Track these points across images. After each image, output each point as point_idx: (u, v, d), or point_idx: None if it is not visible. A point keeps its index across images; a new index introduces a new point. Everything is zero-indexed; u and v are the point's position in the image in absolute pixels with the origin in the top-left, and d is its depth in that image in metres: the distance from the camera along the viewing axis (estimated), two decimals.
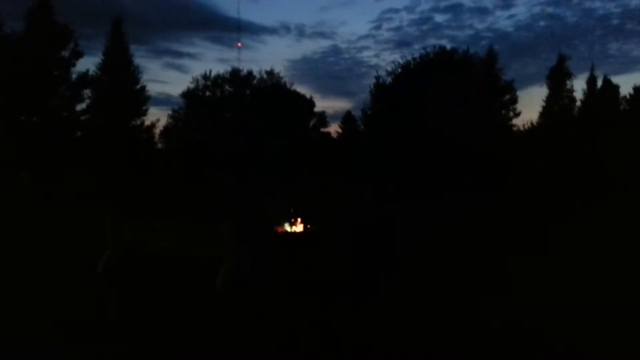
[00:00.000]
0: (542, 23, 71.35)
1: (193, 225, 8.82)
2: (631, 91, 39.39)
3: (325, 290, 7.60)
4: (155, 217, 10.68)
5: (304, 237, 9.88)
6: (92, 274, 8.61)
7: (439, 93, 30.66)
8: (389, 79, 37.56)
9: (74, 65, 29.33)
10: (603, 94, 38.21)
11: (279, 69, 72.33)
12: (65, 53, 28.99)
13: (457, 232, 12.67)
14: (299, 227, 10.07)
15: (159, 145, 39.51)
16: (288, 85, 43.50)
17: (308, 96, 43.09)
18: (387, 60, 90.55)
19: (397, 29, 79.27)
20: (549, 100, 36.82)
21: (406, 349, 5.52)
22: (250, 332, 6.13)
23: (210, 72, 42.69)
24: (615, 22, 64.80)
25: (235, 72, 42.74)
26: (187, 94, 42.11)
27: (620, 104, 39.42)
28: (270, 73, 43.90)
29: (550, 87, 36.68)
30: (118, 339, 5.92)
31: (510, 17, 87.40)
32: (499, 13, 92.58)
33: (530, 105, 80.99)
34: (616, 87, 39.30)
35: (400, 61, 37.58)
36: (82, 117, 30.22)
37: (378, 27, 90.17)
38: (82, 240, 11.07)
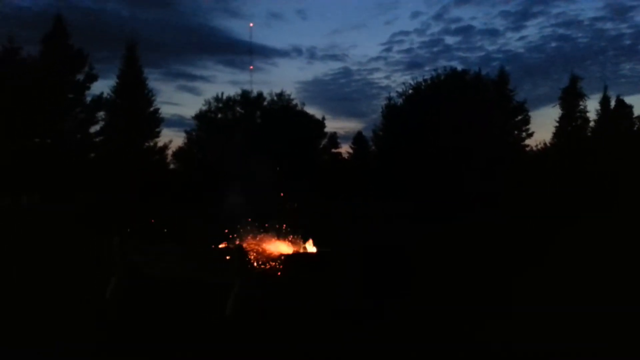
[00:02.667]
0: (553, 44, 71.41)
1: (202, 250, 8.74)
2: None
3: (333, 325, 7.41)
4: (165, 240, 10.60)
5: (316, 258, 9.73)
6: (101, 300, 8.52)
7: (451, 114, 30.53)
8: (400, 100, 37.58)
9: (88, 88, 29.81)
10: (616, 114, 37.88)
11: (290, 90, 72.78)
12: (80, 76, 29.46)
13: (468, 253, 12.44)
14: (312, 248, 9.94)
15: (172, 166, 39.77)
16: (299, 106, 43.71)
17: (319, 117, 43.24)
18: (398, 81, 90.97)
19: (408, 50, 79.73)
20: (562, 120, 36.52)
21: None
22: None
23: (222, 94, 43.01)
24: (628, 42, 64.63)
25: (245, 94, 43.05)
26: (200, 116, 42.42)
27: (635, 124, 39.05)
28: (280, 95, 44.18)
29: (563, 108, 36.42)
30: None
31: (521, 38, 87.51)
32: (509, 35, 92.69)
33: (542, 126, 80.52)
34: (629, 107, 39.01)
35: (411, 82, 37.60)
36: (96, 139, 30.53)
37: (389, 50, 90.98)
38: (91, 261, 11.01)
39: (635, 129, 38.59)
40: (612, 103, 38.29)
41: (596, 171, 30.95)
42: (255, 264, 8.65)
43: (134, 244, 8.82)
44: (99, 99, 30.31)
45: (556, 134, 36.87)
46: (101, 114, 30.87)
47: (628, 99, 42.37)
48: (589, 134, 36.64)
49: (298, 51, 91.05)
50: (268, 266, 8.81)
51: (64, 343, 6.60)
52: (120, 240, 9.18)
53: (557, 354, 6.03)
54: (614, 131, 35.43)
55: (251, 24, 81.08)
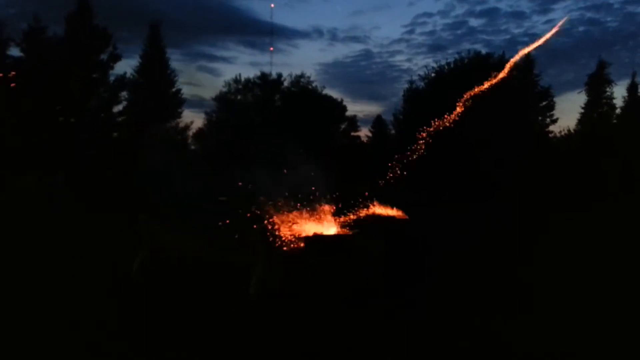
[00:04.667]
0: (581, 28, 69.54)
1: (226, 231, 8.87)
2: None
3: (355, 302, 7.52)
4: (187, 219, 10.76)
5: (337, 241, 9.79)
6: (127, 276, 8.73)
7: (474, 99, 30.13)
8: (422, 84, 37.18)
9: (112, 68, 30.06)
10: None
11: (310, 72, 72.76)
12: (104, 56, 29.72)
13: (488, 242, 12.45)
14: (332, 230, 10.00)
15: (192, 147, 40.06)
16: (319, 89, 43.52)
17: (339, 100, 43.03)
18: (420, 64, 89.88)
19: (431, 33, 78.52)
20: (588, 107, 35.83)
21: None
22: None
23: (240, 76, 42.90)
24: None
25: (264, 76, 42.93)
26: (219, 98, 42.51)
27: None
28: (300, 77, 43.98)
29: (589, 94, 35.69)
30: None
31: (548, 22, 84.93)
32: (536, 18, 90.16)
33: (567, 112, 78.97)
34: None
35: (434, 65, 37.20)
36: (119, 119, 30.91)
37: (411, 32, 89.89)
38: (116, 240, 11.26)
39: None
40: None
41: (620, 160, 30.36)
42: (278, 244, 8.76)
43: (161, 223, 8.98)
44: (122, 79, 30.62)
45: (581, 121, 36.23)
46: (124, 93, 31.24)
47: None
48: (615, 121, 35.91)
49: (319, 32, 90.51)
50: (292, 247, 8.92)
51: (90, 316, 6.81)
52: (146, 218, 9.35)
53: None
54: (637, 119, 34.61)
55: (272, 5, 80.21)
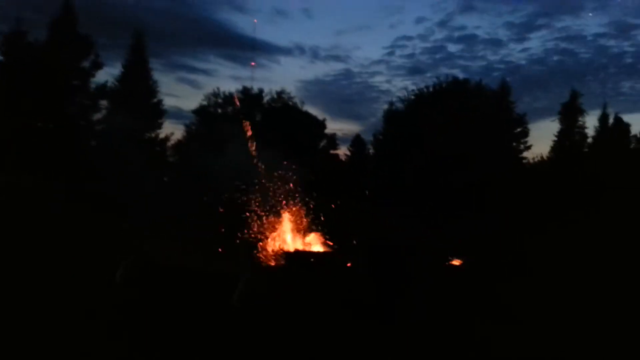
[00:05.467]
0: (555, 58, 71.81)
1: (212, 241, 8.95)
2: None
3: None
4: (170, 230, 10.79)
5: (319, 257, 9.95)
6: (111, 284, 8.70)
7: (451, 122, 30.88)
8: (401, 106, 37.90)
9: (93, 75, 29.86)
10: (614, 131, 38.30)
11: (291, 89, 72.93)
12: (86, 63, 29.50)
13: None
14: (316, 247, 10.16)
15: (170, 159, 39.75)
16: (299, 105, 43.84)
17: (319, 117, 43.40)
18: (399, 86, 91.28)
19: (410, 56, 79.89)
20: (561, 135, 36.96)
21: None
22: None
23: (218, 89, 42.78)
24: (629, 60, 64.95)
25: (246, 91, 43.06)
26: (199, 111, 42.38)
27: (631, 143, 39.50)
28: (281, 93, 44.25)
29: (562, 122, 36.86)
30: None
31: (524, 50, 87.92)
32: (512, 46, 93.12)
33: (540, 139, 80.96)
34: (627, 125, 39.47)
35: (413, 87, 38.01)
36: (98, 127, 30.60)
37: (391, 54, 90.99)
38: (97, 248, 11.17)
39: (632, 147, 39.02)
40: (611, 120, 38.72)
41: (590, 186, 31.29)
42: (263, 258, 8.88)
43: (147, 231, 9.02)
44: (103, 87, 30.41)
45: (554, 148, 37.29)
46: (104, 102, 30.96)
47: (626, 117, 42.90)
48: (586, 150, 37.06)
49: (301, 50, 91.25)
50: (276, 262, 9.04)
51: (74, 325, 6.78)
52: (129, 226, 9.39)
53: None
54: (610, 148, 35.82)
55: (255, 20, 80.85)
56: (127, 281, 8.68)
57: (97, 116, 30.76)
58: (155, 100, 33.30)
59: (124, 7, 58.99)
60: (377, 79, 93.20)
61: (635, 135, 39.71)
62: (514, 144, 37.09)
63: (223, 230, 10.37)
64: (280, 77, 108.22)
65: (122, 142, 28.81)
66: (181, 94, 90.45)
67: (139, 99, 31.53)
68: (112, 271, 8.92)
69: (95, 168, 25.93)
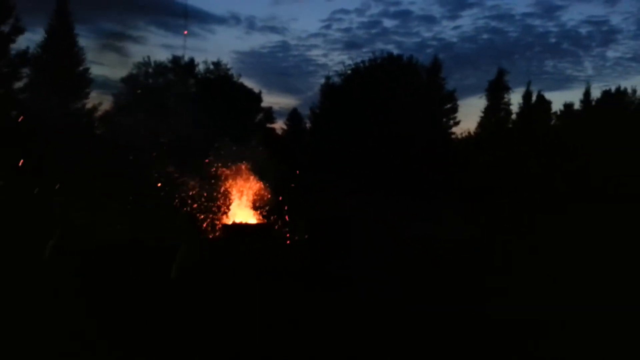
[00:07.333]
0: (485, 36, 74.39)
1: (148, 213, 8.86)
2: (562, 107, 42.14)
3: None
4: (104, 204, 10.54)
5: (255, 228, 10.11)
6: (38, 262, 8.43)
7: (386, 97, 31.65)
8: (338, 80, 38.20)
9: (13, 41, 27.89)
10: (537, 108, 40.46)
11: (227, 60, 70.98)
12: (5, 28, 27.50)
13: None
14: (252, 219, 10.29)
15: (98, 132, 38.10)
16: (235, 77, 43.07)
17: (255, 90, 42.88)
18: (336, 60, 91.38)
19: (347, 30, 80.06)
20: (487, 111, 38.66)
21: None
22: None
23: (148, 58, 41.09)
24: (553, 40, 68.40)
25: (176, 60, 41.64)
26: (128, 80, 40.63)
27: (552, 119, 41.94)
28: (217, 64, 43.23)
29: (489, 99, 38.53)
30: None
31: (456, 27, 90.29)
32: (445, 23, 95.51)
33: (469, 115, 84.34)
34: (548, 103, 41.79)
35: (350, 62, 38.41)
36: (20, 97, 28.79)
37: (328, 27, 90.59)
38: (26, 225, 10.72)
39: (552, 123, 41.43)
40: (534, 98, 40.82)
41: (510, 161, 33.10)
42: (205, 230, 8.93)
43: (78, 204, 8.79)
44: (24, 54, 28.52)
45: (481, 124, 39.01)
46: (26, 70, 29.10)
47: (549, 95, 45.51)
48: (510, 125, 39.02)
49: (236, 19, 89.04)
50: (217, 234, 9.11)
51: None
52: (61, 201, 9.12)
53: None
54: (530, 125, 37.88)
55: None
56: (56, 258, 8.47)
57: (19, 85, 28.94)
58: (81, 68, 31.71)
59: None
60: (314, 52, 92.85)
61: (555, 112, 42.17)
62: (444, 119, 38.51)
63: (158, 203, 10.27)
64: (214, 48, 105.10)
65: (45, 113, 27.37)
66: (109, 62, 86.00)
67: (63, 67, 29.89)
68: (41, 248, 8.66)
69: (18, 139, 24.54)
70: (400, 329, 6.11)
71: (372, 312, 6.73)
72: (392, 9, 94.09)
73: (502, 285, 8.55)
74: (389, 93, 31.87)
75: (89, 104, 32.73)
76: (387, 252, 9.93)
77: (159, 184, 10.82)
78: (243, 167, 10.85)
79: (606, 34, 71.26)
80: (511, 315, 6.70)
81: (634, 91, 40.35)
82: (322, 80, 40.24)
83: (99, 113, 35.26)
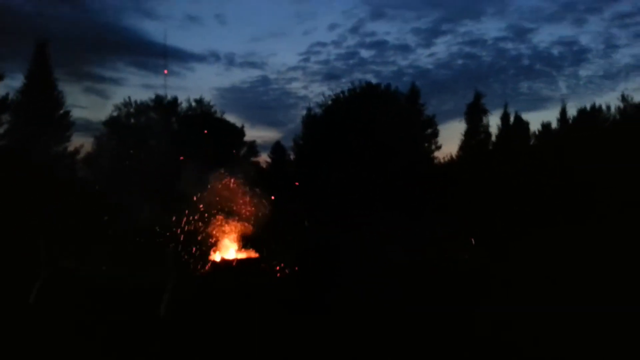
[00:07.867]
0: (459, 61, 75.95)
1: (134, 253, 8.81)
2: (539, 127, 43.04)
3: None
4: (90, 246, 10.47)
5: (246, 263, 10.08)
6: (24, 306, 8.32)
7: (367, 120, 32.32)
8: (319, 111, 38.72)
9: None
10: (515, 129, 41.26)
11: (208, 97, 71.44)
12: None
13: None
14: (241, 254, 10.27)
15: (80, 174, 37.84)
16: (218, 113, 43.35)
17: (238, 125, 43.15)
18: (316, 92, 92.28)
19: (325, 62, 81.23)
20: (467, 134, 39.35)
21: None
22: None
23: (129, 98, 41.26)
24: (526, 62, 70.06)
25: (159, 99, 41.86)
26: (110, 122, 40.59)
27: (530, 139, 42.74)
28: (199, 101, 43.52)
29: (468, 122, 39.26)
30: None
31: (431, 55, 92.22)
32: (420, 51, 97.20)
33: (449, 139, 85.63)
34: (526, 124, 42.64)
35: (330, 93, 39.02)
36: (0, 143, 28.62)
37: (307, 60, 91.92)
38: (11, 268, 10.57)
39: (530, 143, 42.18)
40: (512, 119, 41.66)
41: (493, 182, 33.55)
42: (193, 267, 8.88)
43: (63, 247, 8.71)
44: (4, 100, 28.52)
45: (462, 147, 39.64)
46: (5, 116, 29.02)
47: (525, 116, 46.56)
48: (491, 147, 39.67)
49: (216, 57, 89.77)
50: (205, 270, 9.07)
51: None
52: (46, 243, 9.04)
53: None
54: (509, 146, 38.56)
55: (166, 27, 78.73)
56: (42, 301, 8.35)
57: None
58: (61, 112, 31.72)
59: (25, 16, 55.38)
60: (294, 85, 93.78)
61: (534, 132, 43.00)
62: (426, 144, 39.10)
63: (144, 242, 10.23)
64: (195, 85, 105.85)
65: (26, 157, 27.19)
66: (89, 104, 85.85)
67: (43, 111, 29.88)
68: (27, 292, 8.55)
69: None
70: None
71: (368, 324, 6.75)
72: (368, 39, 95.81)
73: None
74: (370, 117, 32.50)
75: (71, 147, 32.65)
76: (377, 278, 9.98)
77: (144, 224, 10.82)
78: (229, 202, 10.88)
79: (577, 54, 72.89)
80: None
81: (608, 108, 41.41)
82: (304, 112, 40.82)
83: (81, 156, 35.20)
